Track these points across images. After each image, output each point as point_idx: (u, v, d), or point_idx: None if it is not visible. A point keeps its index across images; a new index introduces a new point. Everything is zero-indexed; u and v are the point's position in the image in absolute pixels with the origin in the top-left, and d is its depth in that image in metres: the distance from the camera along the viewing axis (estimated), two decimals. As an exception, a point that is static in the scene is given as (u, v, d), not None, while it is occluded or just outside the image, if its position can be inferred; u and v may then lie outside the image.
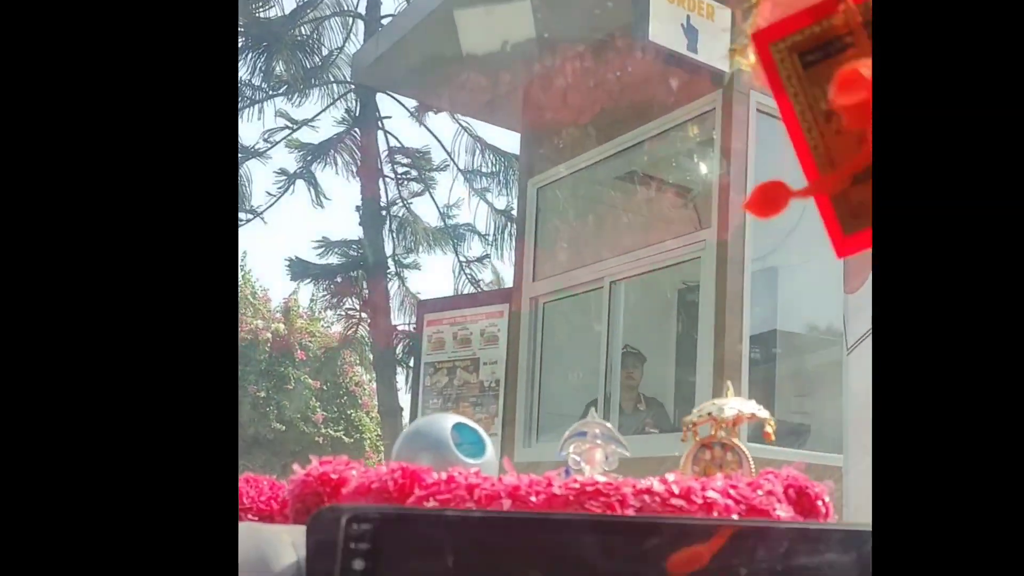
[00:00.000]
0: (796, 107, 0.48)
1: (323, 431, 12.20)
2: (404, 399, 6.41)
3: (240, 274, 12.43)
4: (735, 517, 0.57)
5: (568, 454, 0.78)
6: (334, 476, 0.67)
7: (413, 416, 4.93)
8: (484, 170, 7.23)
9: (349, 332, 7.12)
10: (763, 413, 0.79)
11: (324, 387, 12.57)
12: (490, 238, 7.17)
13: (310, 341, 12.46)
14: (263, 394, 11.92)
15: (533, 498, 0.58)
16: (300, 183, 7.15)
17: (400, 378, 6.76)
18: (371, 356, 7.10)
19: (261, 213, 7.03)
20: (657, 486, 0.58)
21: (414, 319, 5.67)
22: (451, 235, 7.31)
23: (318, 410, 12.29)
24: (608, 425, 0.81)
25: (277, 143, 7.09)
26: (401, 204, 7.04)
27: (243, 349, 12.01)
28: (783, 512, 0.60)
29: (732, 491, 0.59)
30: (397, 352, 6.68)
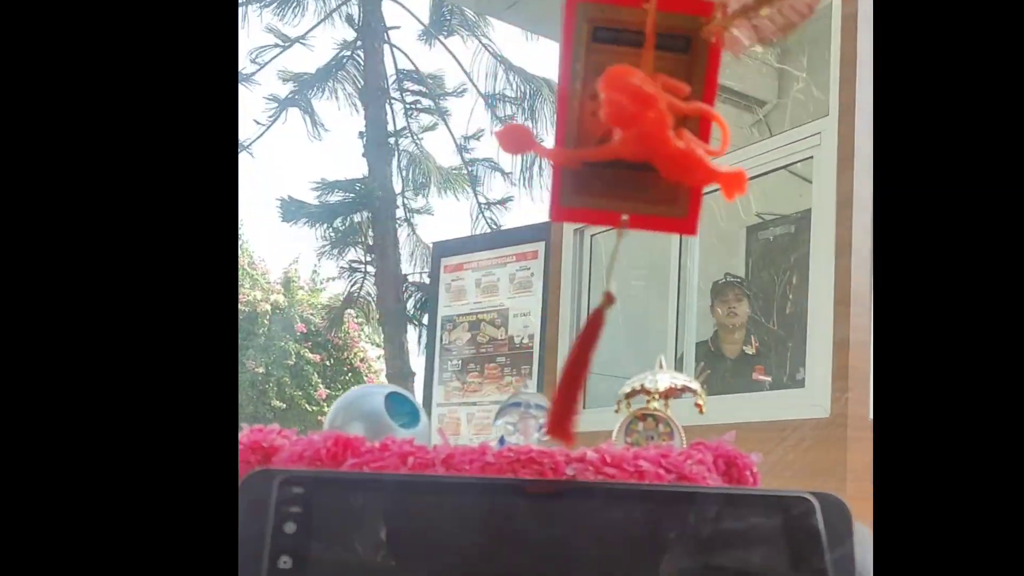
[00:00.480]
0: (571, 71, 0.49)
1: (326, 409, 11.44)
2: (418, 363, 5.63)
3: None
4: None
5: (503, 423, 0.80)
6: (265, 444, 0.68)
7: (428, 382, 4.10)
8: (509, 94, 6.23)
9: (353, 288, 6.26)
10: (694, 385, 0.82)
11: (327, 363, 11.85)
12: (515, 176, 6.21)
13: (311, 314, 11.74)
14: (262, 370, 11.22)
15: (467, 466, 0.59)
16: (294, 112, 6.19)
17: (412, 338, 5.90)
18: (378, 314, 6.23)
19: (248, 146, 6.09)
20: (591, 455, 0.59)
21: (427, 268, 4.78)
22: (468, 173, 6.36)
23: (320, 387, 11.56)
24: (541, 397, 0.82)
25: (266, 64, 6.12)
26: (411, 138, 6.09)
27: (240, 323, 11.38)
28: (712, 481, 0.62)
29: (663, 460, 0.61)
30: (408, 308, 5.81)
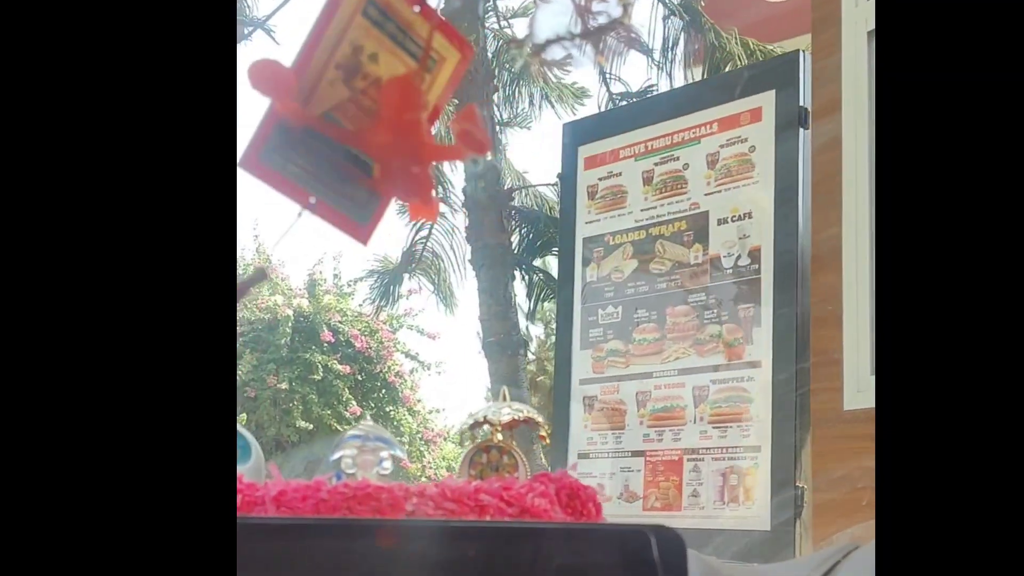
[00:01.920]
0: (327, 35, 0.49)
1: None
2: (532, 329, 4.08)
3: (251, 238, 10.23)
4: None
5: (341, 456, 0.77)
6: None
7: (563, 346, 2.49)
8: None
9: (417, 241, 4.65)
10: (538, 417, 0.83)
11: (358, 376, 10.31)
12: (656, 51, 4.40)
13: (340, 321, 10.24)
14: (285, 386, 9.69)
15: (300, 504, 0.58)
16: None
17: (518, 290, 4.28)
18: (468, 257, 4.56)
19: (265, 21, 4.43)
20: (431, 490, 0.60)
21: (556, 175, 3.13)
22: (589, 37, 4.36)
23: (352, 403, 10.03)
24: (383, 429, 0.80)
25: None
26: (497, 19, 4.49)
27: (259, 333, 9.87)
28: (555, 515, 0.62)
29: (505, 494, 0.60)
30: (512, 244, 4.23)
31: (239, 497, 0.55)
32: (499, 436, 0.79)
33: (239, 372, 8.61)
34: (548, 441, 0.90)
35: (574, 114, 5.30)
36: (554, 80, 4.86)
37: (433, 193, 0.48)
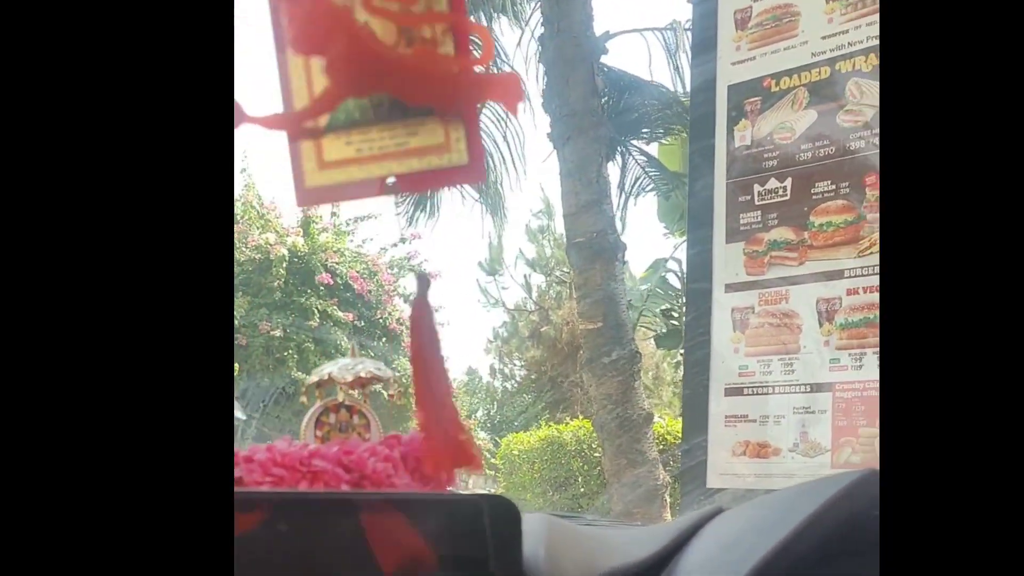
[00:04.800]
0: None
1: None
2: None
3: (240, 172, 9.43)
4: (344, 488, 0.56)
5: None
6: None
7: (699, 251, 1.75)
8: None
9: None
10: (385, 373, 0.78)
11: (357, 323, 9.63)
12: None
13: (337, 262, 9.51)
14: (279, 333, 9.00)
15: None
16: None
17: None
18: (547, 131, 3.58)
19: None
20: (260, 455, 0.56)
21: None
22: None
23: (352, 352, 9.32)
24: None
25: None
26: None
27: (250, 275, 9.16)
28: (400, 480, 0.59)
29: (344, 459, 0.58)
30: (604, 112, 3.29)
31: None
32: (347, 394, 0.74)
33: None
34: (399, 400, 0.79)
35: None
36: None
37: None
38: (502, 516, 0.46)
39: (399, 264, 9.93)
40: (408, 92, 0.42)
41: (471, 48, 0.45)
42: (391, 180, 0.46)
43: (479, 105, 0.46)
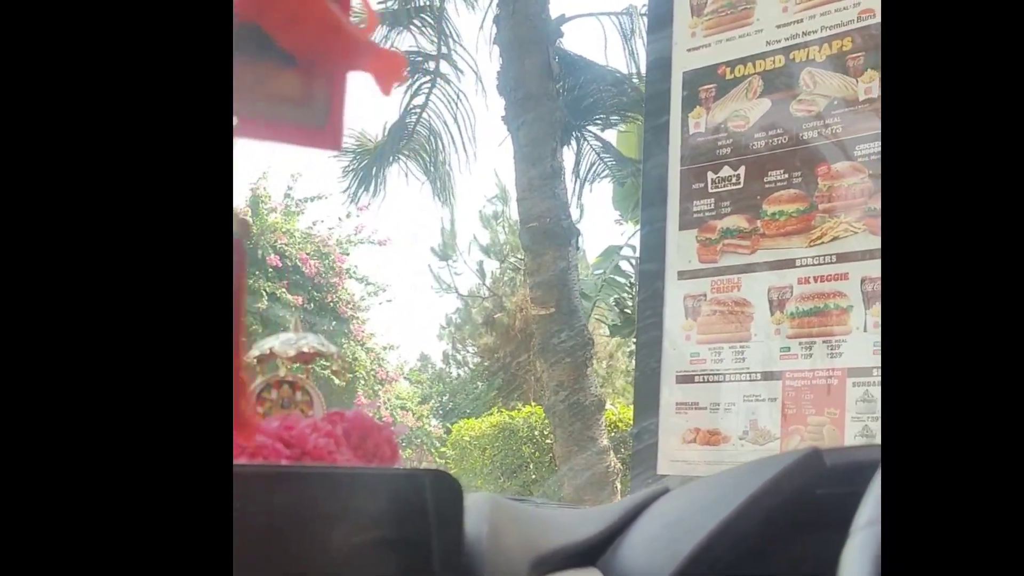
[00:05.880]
0: None
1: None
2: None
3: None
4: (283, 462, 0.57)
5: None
6: None
7: (652, 237, 1.73)
8: None
9: (415, 101, 3.53)
10: (329, 348, 0.78)
11: (308, 306, 9.51)
12: None
13: (286, 244, 9.37)
14: (227, 317, 8.82)
15: None
16: None
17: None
18: (502, 114, 3.46)
19: None
20: None
21: None
22: None
23: (301, 336, 9.19)
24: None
25: None
26: None
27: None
28: (341, 457, 0.59)
29: (286, 434, 0.58)
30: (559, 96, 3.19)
31: None
32: (290, 369, 0.74)
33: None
34: (343, 379, 0.72)
35: None
36: None
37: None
38: (444, 492, 0.46)
39: (348, 240, 9.82)
40: (281, 31, 0.40)
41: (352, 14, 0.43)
42: (235, 121, 0.43)
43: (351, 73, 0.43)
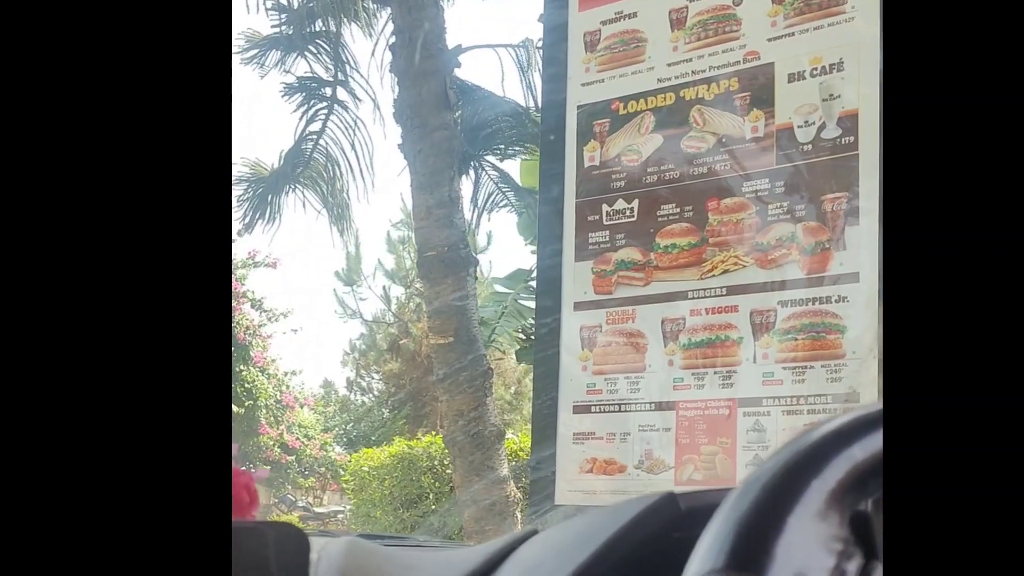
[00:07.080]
0: None
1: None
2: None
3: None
4: None
5: None
6: None
7: (548, 269, 1.74)
8: None
9: (311, 127, 3.47)
10: None
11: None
12: None
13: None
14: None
15: None
16: None
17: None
18: (398, 142, 3.35)
19: None
20: None
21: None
22: None
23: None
24: None
25: None
26: None
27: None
28: None
29: None
30: (458, 125, 3.14)
31: None
32: None
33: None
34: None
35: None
36: None
37: None
38: (290, 546, 0.45)
39: (242, 264, 9.56)
40: None
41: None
42: None
43: None
